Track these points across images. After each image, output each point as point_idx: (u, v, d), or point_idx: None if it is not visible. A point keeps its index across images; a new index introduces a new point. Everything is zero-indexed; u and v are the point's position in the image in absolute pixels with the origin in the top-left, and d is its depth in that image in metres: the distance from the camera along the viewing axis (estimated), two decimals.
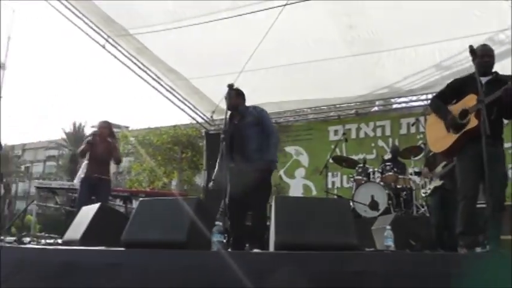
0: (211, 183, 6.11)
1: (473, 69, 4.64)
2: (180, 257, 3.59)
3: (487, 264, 2.93)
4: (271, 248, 3.72)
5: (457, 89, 4.93)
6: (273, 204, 3.86)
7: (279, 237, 3.58)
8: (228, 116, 5.91)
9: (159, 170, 23.53)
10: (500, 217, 4.68)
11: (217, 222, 3.93)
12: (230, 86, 5.72)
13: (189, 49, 9.75)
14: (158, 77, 10.96)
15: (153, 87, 11.13)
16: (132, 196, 9.63)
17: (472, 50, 4.60)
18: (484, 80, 4.52)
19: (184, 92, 11.58)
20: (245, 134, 5.85)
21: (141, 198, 4.87)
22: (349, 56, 9.53)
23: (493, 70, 4.86)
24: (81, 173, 9.23)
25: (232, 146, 5.82)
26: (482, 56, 4.68)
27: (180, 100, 11.75)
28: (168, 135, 23.49)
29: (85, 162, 9.46)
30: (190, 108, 12.17)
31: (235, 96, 5.97)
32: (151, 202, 4.49)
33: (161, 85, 11.16)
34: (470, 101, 4.63)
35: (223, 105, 5.89)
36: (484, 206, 4.65)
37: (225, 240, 3.93)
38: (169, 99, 11.59)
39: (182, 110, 12.10)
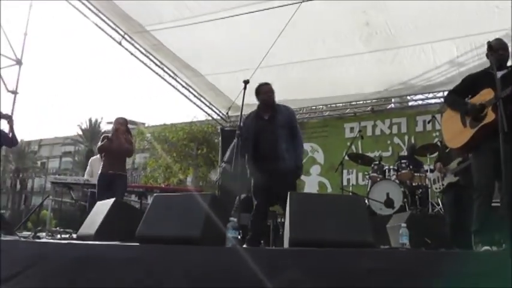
0: (223, 164, 6.04)
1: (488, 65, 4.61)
2: (194, 252, 3.58)
3: (504, 263, 2.90)
4: (286, 245, 3.70)
5: (472, 84, 4.87)
6: (287, 200, 3.84)
7: (294, 234, 3.56)
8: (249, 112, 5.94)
9: (175, 166, 23.60)
10: None
11: (231, 218, 3.92)
12: (246, 82, 5.66)
13: (205, 45, 9.76)
14: (174, 74, 11.01)
15: (169, 83, 11.19)
16: (147, 192, 9.66)
17: (490, 46, 4.56)
18: (499, 74, 4.44)
19: (200, 89, 11.64)
20: (277, 132, 5.81)
21: (155, 194, 4.88)
22: (365, 53, 9.50)
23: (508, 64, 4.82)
24: (89, 169, 9.32)
25: (258, 142, 5.81)
26: (497, 49, 4.62)
27: (196, 96, 11.83)
28: (183, 132, 23.57)
29: (93, 158, 9.57)
30: (206, 105, 12.25)
31: (272, 91, 5.98)
32: (165, 197, 4.50)
33: (177, 81, 11.23)
34: (486, 95, 4.57)
35: (239, 101, 5.84)
36: (498, 204, 4.61)
37: (239, 236, 3.91)
38: (185, 96, 11.65)
39: (198, 106, 12.18)
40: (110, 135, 7.79)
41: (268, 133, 5.81)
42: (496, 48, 4.59)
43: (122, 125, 7.81)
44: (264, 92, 5.94)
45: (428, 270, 2.91)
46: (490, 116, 4.47)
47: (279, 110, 5.98)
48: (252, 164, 5.80)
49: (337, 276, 3.01)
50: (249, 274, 3.19)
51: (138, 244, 3.93)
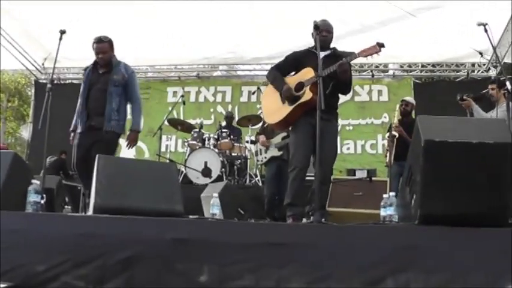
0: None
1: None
2: None
3: (311, 235, 2.99)
4: (90, 212, 3.48)
5: (294, 61, 5.02)
6: (95, 164, 3.57)
7: (99, 200, 3.36)
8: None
9: None
10: (327, 190, 4.87)
11: (34, 181, 3.56)
12: (62, 32, 5.13)
13: None
14: None
15: None
16: None
17: (316, 26, 4.63)
18: (322, 54, 4.56)
19: (14, 34, 10.60)
20: (109, 89, 5.47)
21: None
22: (194, 20, 9.38)
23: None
24: None
25: (89, 97, 5.48)
26: (322, 30, 4.71)
27: (8, 42, 10.72)
28: None
29: None
30: (20, 53, 11.18)
31: (109, 47, 5.57)
32: None
33: None
34: (306, 74, 4.69)
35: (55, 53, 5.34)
36: (312, 178, 4.78)
37: (42, 201, 3.58)
38: None
39: (10, 52, 11.06)
40: None
41: (98, 88, 5.50)
42: (321, 29, 4.67)
43: None
44: (96, 52, 5.54)
45: (232, 241, 2.91)
46: (307, 95, 4.63)
47: (118, 67, 5.61)
48: (78, 121, 5.50)
49: (141, 246, 2.87)
50: (49, 241, 2.94)
51: None
